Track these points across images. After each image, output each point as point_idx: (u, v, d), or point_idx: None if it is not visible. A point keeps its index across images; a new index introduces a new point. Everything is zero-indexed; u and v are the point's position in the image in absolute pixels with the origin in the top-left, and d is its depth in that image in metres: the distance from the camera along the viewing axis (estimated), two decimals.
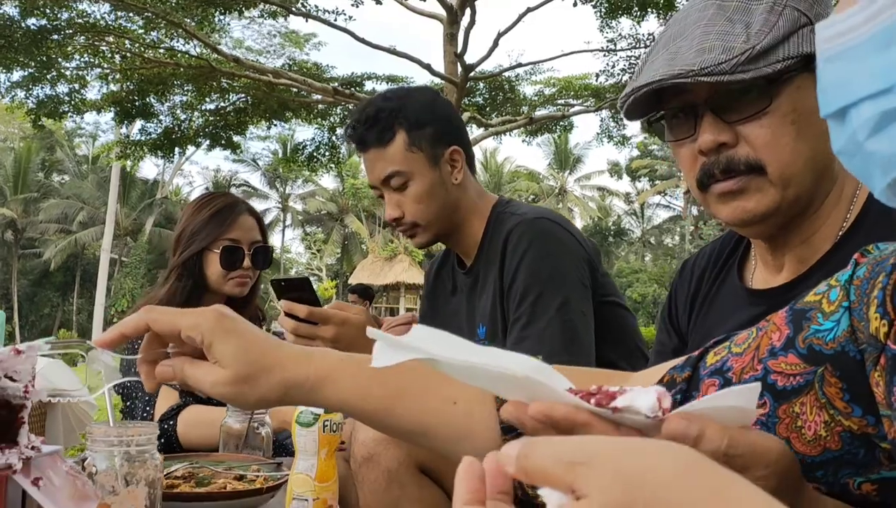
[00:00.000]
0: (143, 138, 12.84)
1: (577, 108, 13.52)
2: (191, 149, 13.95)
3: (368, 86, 12.67)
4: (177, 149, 13.27)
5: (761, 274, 1.11)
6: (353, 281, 25.31)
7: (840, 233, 1.01)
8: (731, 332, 0.77)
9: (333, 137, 13.67)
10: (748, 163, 1.00)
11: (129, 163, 14.67)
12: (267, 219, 42.78)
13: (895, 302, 0.61)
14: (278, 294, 1.61)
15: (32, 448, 0.75)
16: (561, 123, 14.10)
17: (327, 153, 13.87)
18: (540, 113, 13.41)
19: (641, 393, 0.53)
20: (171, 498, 1.28)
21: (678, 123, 1.05)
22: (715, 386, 0.72)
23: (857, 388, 0.65)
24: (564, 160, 42.21)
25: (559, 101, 13.72)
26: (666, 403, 0.53)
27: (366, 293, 9.88)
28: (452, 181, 1.76)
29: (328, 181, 41.70)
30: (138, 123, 12.99)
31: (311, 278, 1.91)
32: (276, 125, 13.72)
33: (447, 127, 1.77)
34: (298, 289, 1.60)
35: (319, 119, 13.26)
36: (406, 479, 1.44)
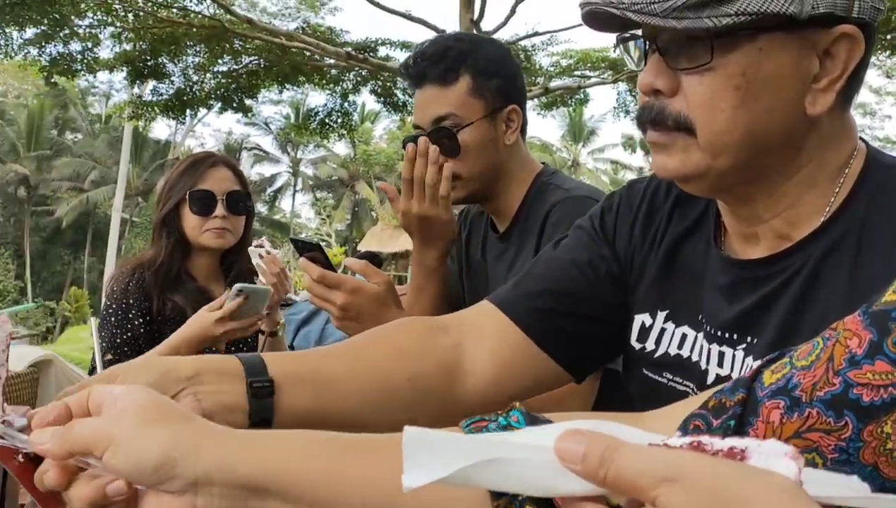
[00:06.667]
0: (155, 99, 12.79)
1: (593, 80, 13.35)
2: (202, 111, 13.91)
3: (382, 51, 12.54)
4: (188, 111, 13.24)
5: (733, 243, 0.99)
6: (361, 248, 25.31)
7: (829, 210, 0.90)
8: (787, 348, 0.67)
9: (345, 104, 13.57)
10: (677, 120, 0.88)
11: (141, 123, 14.68)
12: (277, 184, 42.79)
13: None
14: (298, 251, 1.63)
15: (3, 422, 0.71)
16: (576, 96, 13.94)
17: (339, 119, 13.78)
18: (556, 83, 13.26)
19: (773, 455, 0.44)
20: None
21: (638, 51, 0.94)
22: (779, 408, 0.63)
23: None
24: (578, 132, 41.93)
25: (576, 73, 13.55)
26: (801, 467, 0.44)
27: (374, 260, 9.83)
28: (505, 141, 1.68)
29: (340, 147, 41.59)
30: (151, 84, 12.96)
31: (321, 243, 1.92)
32: (288, 89, 13.62)
33: (512, 85, 1.69)
34: (312, 252, 1.60)
35: (332, 84, 13.14)
36: None
